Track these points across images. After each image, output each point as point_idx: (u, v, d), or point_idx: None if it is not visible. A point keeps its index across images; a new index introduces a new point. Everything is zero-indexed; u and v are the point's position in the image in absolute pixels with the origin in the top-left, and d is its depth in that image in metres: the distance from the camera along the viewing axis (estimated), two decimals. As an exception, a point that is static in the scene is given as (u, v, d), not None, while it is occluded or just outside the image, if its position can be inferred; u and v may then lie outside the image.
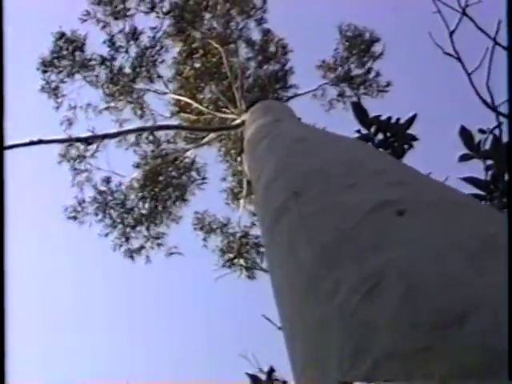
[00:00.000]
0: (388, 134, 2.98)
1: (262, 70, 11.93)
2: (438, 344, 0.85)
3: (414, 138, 3.11)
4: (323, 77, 11.40)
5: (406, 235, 1.18)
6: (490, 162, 2.84)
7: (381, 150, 2.93)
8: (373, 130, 3.02)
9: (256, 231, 11.73)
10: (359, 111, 3.09)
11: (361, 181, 1.61)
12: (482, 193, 2.74)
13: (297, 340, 1.32)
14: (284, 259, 1.63)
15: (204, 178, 11.72)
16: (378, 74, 11.29)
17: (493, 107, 4.20)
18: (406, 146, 3.04)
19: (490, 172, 2.88)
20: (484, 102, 4.23)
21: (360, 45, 11.10)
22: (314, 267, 1.36)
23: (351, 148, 2.20)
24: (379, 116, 3.09)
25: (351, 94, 11.25)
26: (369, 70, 11.35)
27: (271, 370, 3.73)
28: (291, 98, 11.69)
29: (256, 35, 11.51)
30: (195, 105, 11.43)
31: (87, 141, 9.72)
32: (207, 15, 11.05)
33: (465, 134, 2.85)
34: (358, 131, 3.07)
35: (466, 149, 2.87)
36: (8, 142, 7.97)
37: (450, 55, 4.47)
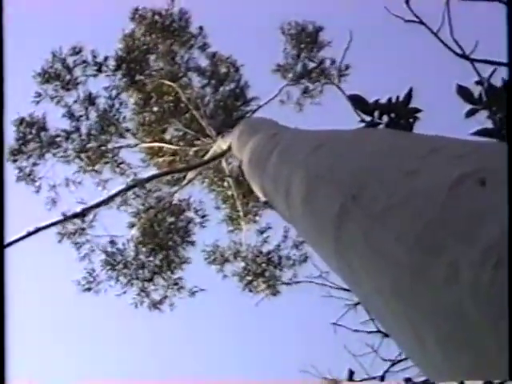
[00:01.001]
0: (392, 115, 3.06)
1: (220, 93, 12.01)
2: None
3: (418, 110, 3.19)
4: (284, 78, 11.50)
5: (499, 204, 1.16)
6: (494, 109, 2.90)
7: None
8: (376, 114, 3.10)
9: (267, 247, 11.77)
10: (358, 101, 3.17)
11: (421, 164, 1.55)
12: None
13: (427, 341, 1.29)
14: (371, 264, 1.59)
15: (204, 216, 11.74)
16: (333, 62, 11.42)
17: (464, 55, 4.31)
18: (411, 121, 3.11)
19: (497, 118, 2.93)
20: (455, 52, 4.34)
21: (306, 38, 11.24)
22: (414, 260, 1.33)
23: (382, 137, 2.18)
24: (378, 100, 3.17)
25: (314, 87, 11.38)
26: (322, 61, 11.49)
27: (351, 373, 3.76)
28: (256, 110, 11.77)
29: (204, 62, 11.62)
30: (166, 146, 11.49)
31: (82, 214, 9.72)
32: (152, 58, 11.12)
33: (463, 91, 2.93)
34: (362, 121, 3.15)
35: (469, 104, 2.94)
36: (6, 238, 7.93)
37: (413, 21, 4.59)
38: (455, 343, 1.19)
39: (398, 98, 3.14)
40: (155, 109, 11.44)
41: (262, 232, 11.96)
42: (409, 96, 3.18)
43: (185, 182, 11.39)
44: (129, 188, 10.34)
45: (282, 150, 3.29)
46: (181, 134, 11.87)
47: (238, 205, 11.82)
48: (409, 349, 1.53)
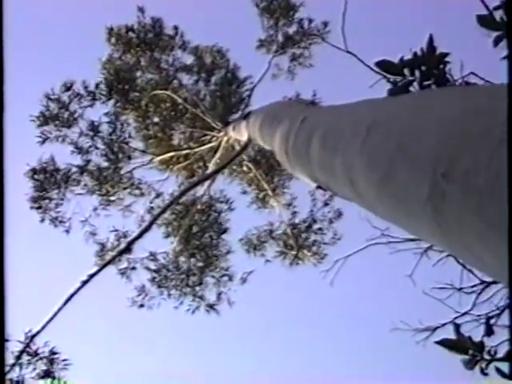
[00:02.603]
0: (423, 68, 3.05)
1: (212, 83, 12.00)
2: None
3: (446, 54, 3.16)
4: (268, 52, 11.46)
5: None
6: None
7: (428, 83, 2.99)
8: (407, 73, 3.09)
9: (300, 216, 11.87)
10: (385, 65, 3.16)
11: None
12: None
13: None
14: (488, 243, 1.55)
15: (228, 200, 11.81)
16: (310, 21, 11.35)
17: None
18: (442, 67, 3.10)
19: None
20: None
21: (279, 6, 11.16)
22: None
23: (436, 101, 2.02)
24: (402, 57, 3.15)
25: (301, 53, 11.33)
26: (300, 22, 11.41)
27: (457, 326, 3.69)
28: (252, 88, 11.75)
29: (189, 59, 11.59)
30: (178, 153, 11.54)
31: (128, 248, 9.86)
32: (138, 73, 11.12)
33: (485, 20, 2.89)
34: (394, 83, 3.14)
35: (495, 31, 2.90)
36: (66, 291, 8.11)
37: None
38: None
39: (422, 49, 3.10)
40: (156, 119, 11.48)
41: (289, 205, 12.02)
42: (431, 43, 3.14)
43: (207, 182, 11.43)
44: (165, 208, 10.42)
45: (323, 136, 3.10)
46: (187, 135, 11.90)
47: (263, 184, 11.87)
48: None
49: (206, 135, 11.70)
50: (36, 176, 10.86)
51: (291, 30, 11.41)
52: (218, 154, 11.46)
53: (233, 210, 11.72)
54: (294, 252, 11.91)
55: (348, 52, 3.50)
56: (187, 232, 11.46)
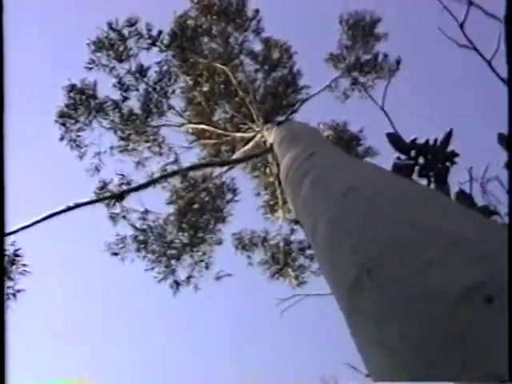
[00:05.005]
0: (429, 157, 2.96)
1: (271, 79, 11.92)
2: None
3: (455, 155, 3.08)
4: (335, 68, 11.35)
5: (500, 329, 1.15)
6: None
7: (426, 173, 2.91)
8: (413, 154, 3.00)
9: (298, 236, 11.76)
10: (395, 139, 3.07)
11: (440, 255, 1.53)
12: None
13: None
14: (374, 345, 1.58)
15: (235, 190, 11.73)
16: (385, 56, 11.21)
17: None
18: (448, 164, 3.01)
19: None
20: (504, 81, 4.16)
21: (363, 29, 11.03)
22: (413, 365, 1.33)
23: (415, 200, 2.07)
24: (415, 139, 3.07)
25: (364, 81, 11.19)
26: (376, 54, 11.29)
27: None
28: (305, 100, 11.66)
29: (257, 46, 11.52)
30: (212, 128, 11.47)
31: (121, 196, 9.85)
32: (205, 39, 11.08)
33: (504, 140, 2.79)
34: (398, 158, 3.05)
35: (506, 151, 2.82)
36: (44, 210, 8.15)
37: (466, 46, 4.42)
38: None
39: (436, 140, 3.02)
40: (205, 89, 11.43)
41: (292, 221, 11.93)
42: (447, 138, 3.06)
43: (226, 167, 11.37)
44: (169, 175, 10.40)
45: (316, 178, 3.27)
46: (228, 116, 11.84)
47: (277, 193, 11.79)
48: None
49: (245, 124, 11.63)
50: (72, 94, 10.90)
51: (365, 56, 11.27)
52: (247, 146, 11.38)
53: (237, 202, 11.59)
54: (278, 266, 11.83)
55: (387, 135, 3.43)
56: (187, 205, 11.42)
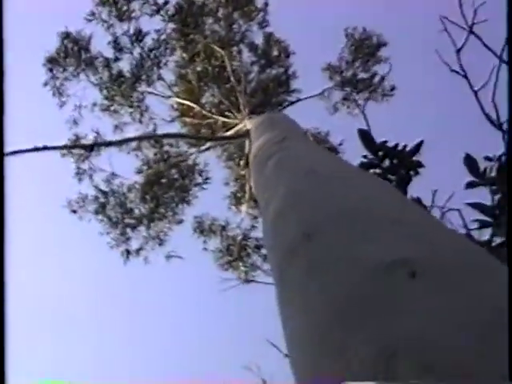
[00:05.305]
0: (394, 161, 2.99)
1: (265, 74, 11.93)
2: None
3: (420, 165, 3.12)
4: (330, 79, 11.41)
5: (415, 302, 1.18)
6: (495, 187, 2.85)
7: (389, 176, 2.95)
8: (380, 155, 3.03)
9: (257, 233, 11.77)
10: (366, 138, 3.11)
11: (377, 230, 1.57)
12: (488, 219, 2.75)
13: None
14: (297, 309, 1.60)
15: (207, 179, 11.72)
16: (382, 79, 11.31)
17: (498, 124, 4.20)
18: (412, 173, 3.05)
19: (495, 197, 2.89)
20: (489, 119, 4.23)
21: (366, 48, 11.11)
22: (326, 324, 1.35)
23: (368, 186, 2.15)
24: (386, 142, 3.10)
25: (356, 98, 11.26)
26: (374, 75, 11.38)
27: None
28: (294, 102, 11.69)
29: (258, 38, 11.52)
30: (197, 108, 11.43)
31: (91, 147, 9.75)
32: (210, 19, 11.05)
33: (470, 162, 2.86)
34: (365, 157, 3.09)
35: (472, 176, 2.88)
36: (12, 145, 8.02)
37: (457, 72, 4.48)
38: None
39: (405, 146, 3.07)
40: (198, 68, 11.38)
41: (255, 217, 11.94)
42: (417, 148, 3.11)
43: (204, 147, 11.36)
44: (143, 138, 10.34)
45: (280, 159, 3.34)
46: (216, 101, 11.81)
47: (246, 187, 11.79)
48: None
49: (230, 112, 11.61)
50: (66, 41, 10.76)
51: (362, 75, 11.36)
52: (228, 133, 11.37)
53: (205, 187, 11.57)
54: (231, 258, 11.83)
55: (358, 131, 3.45)
56: (155, 178, 11.35)
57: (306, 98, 11.75)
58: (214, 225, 11.90)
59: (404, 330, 1.11)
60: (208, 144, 11.55)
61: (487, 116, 4.32)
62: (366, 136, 3.12)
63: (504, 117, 4.18)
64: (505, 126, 4.13)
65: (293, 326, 1.60)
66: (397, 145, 3.09)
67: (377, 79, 11.44)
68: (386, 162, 3.01)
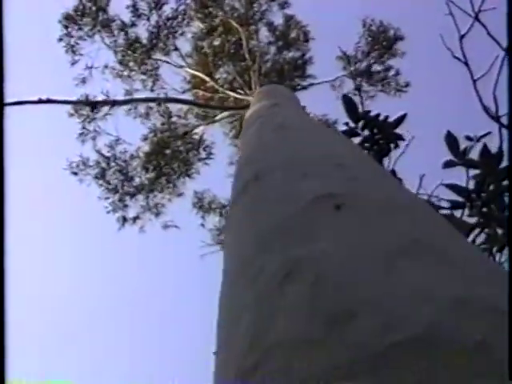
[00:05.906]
0: (375, 131, 2.93)
1: (281, 56, 11.83)
2: (321, 338, 0.82)
3: (401, 138, 3.06)
4: (343, 68, 11.30)
5: (334, 230, 1.19)
6: (475, 170, 2.79)
7: (366, 145, 2.89)
8: (360, 124, 2.97)
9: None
10: (349, 104, 3.04)
11: (318, 172, 1.62)
12: (461, 199, 2.69)
13: (221, 325, 1.33)
14: (232, 241, 1.65)
15: (210, 154, 11.65)
16: (397, 73, 11.19)
17: (495, 116, 4.12)
18: (392, 145, 2.99)
19: (474, 180, 2.82)
20: (486, 110, 4.15)
21: (383, 41, 10.98)
22: (247, 252, 1.38)
23: (328, 140, 2.19)
24: (369, 111, 3.04)
25: (368, 89, 11.16)
26: (388, 68, 11.26)
27: None
28: (306, 87, 11.60)
29: (278, 19, 11.42)
30: (210, 82, 11.36)
31: (95, 105, 9.71)
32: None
33: (450, 140, 2.79)
34: (347, 124, 3.03)
35: (451, 155, 2.81)
36: (17, 96, 8.02)
37: (459, 59, 4.39)
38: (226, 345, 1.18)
39: (387, 117, 3.00)
40: (215, 43, 11.31)
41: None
42: (399, 121, 3.03)
43: (210, 120, 11.31)
44: (149, 100, 10.28)
45: (263, 121, 3.42)
46: (229, 78, 11.74)
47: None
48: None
49: (242, 89, 11.54)
50: (84, 0, 10.71)
51: (376, 67, 11.24)
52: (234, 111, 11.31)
53: (209, 163, 11.52)
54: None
55: (342, 97, 3.37)
56: (160, 148, 11.30)
57: (318, 83, 11.66)
58: (213, 202, 11.88)
59: (308, 251, 1.09)
60: (217, 117, 11.49)
61: (484, 107, 4.24)
62: (349, 102, 3.05)
63: (503, 111, 4.09)
64: (503, 120, 4.04)
65: (226, 253, 1.66)
66: (378, 115, 3.02)
67: (391, 73, 11.32)
68: (366, 132, 2.95)
